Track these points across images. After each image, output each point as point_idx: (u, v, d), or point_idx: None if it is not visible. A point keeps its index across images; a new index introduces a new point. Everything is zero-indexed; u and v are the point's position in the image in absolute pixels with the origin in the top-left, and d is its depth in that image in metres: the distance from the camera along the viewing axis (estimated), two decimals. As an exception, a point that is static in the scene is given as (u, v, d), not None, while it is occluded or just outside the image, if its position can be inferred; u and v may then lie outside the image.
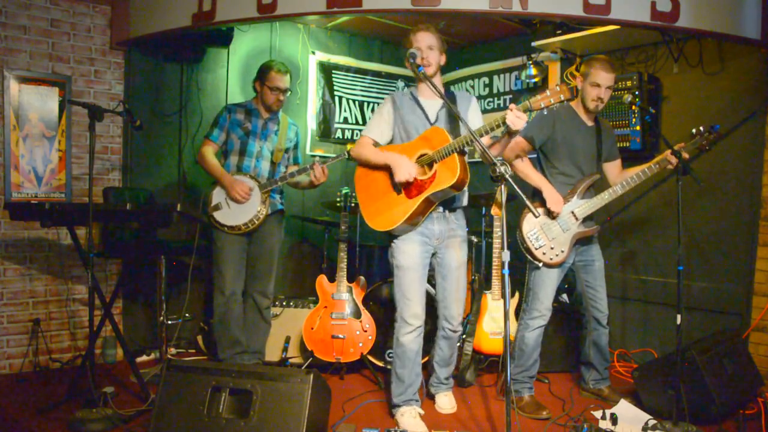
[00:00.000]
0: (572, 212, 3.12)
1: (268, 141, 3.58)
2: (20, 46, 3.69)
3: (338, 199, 3.86)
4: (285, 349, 3.83)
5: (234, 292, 3.53)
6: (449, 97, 2.90)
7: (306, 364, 3.70)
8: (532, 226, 3.12)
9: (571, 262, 3.24)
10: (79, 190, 3.91)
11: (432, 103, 2.99)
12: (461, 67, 5.25)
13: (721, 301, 3.72)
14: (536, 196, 3.18)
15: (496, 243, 3.83)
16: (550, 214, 3.11)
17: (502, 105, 4.96)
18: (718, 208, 3.76)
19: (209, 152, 3.51)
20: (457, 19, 4.41)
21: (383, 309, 3.85)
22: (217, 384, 2.47)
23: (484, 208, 4.06)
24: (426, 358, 3.57)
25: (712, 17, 3.19)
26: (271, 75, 3.49)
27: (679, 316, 2.77)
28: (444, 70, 5.24)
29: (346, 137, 5.04)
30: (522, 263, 3.27)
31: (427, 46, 2.88)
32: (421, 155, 2.85)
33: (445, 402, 3.19)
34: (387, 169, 2.92)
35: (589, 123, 3.23)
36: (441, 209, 2.96)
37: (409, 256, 2.94)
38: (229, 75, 4.46)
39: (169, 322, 3.69)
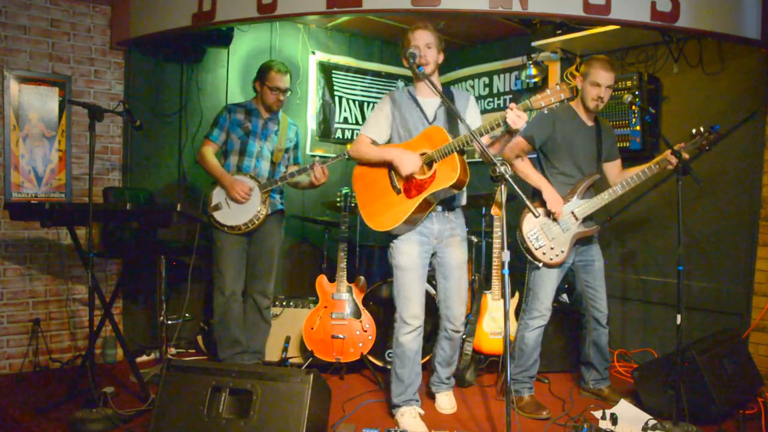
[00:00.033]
0: (572, 212, 3.12)
1: (268, 141, 3.58)
2: (20, 46, 3.69)
3: (338, 199, 3.86)
4: (285, 349, 3.83)
5: (234, 292, 3.53)
6: (447, 96, 2.88)
7: (306, 364, 3.70)
8: (532, 226, 3.12)
9: (571, 262, 3.24)
10: (79, 190, 3.91)
11: (430, 102, 2.98)
12: (461, 67, 5.25)
13: (721, 301, 3.72)
14: (536, 196, 3.18)
15: (496, 243, 3.83)
16: (550, 215, 3.11)
17: (502, 105, 4.96)
18: (718, 208, 3.76)
19: (209, 152, 3.51)
20: (457, 19, 4.41)
21: (383, 309, 3.85)
22: (217, 384, 2.47)
23: (484, 208, 4.06)
24: (426, 358, 3.57)
25: (712, 17, 3.19)
26: (271, 75, 3.49)
27: (679, 316, 2.77)
28: (444, 69, 5.33)
29: (346, 137, 5.04)
30: (522, 263, 3.27)
31: (425, 45, 2.87)
32: (421, 154, 2.83)
33: (446, 402, 3.19)
34: (386, 168, 2.92)
35: (589, 123, 3.23)
36: (440, 209, 2.95)
37: (408, 256, 2.93)
38: (229, 75, 4.46)
39: (169, 322, 3.68)
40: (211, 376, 2.51)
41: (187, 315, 3.78)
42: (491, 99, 5.06)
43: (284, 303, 3.95)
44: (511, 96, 4.90)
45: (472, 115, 2.99)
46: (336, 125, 5.02)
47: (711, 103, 3.78)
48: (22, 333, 3.73)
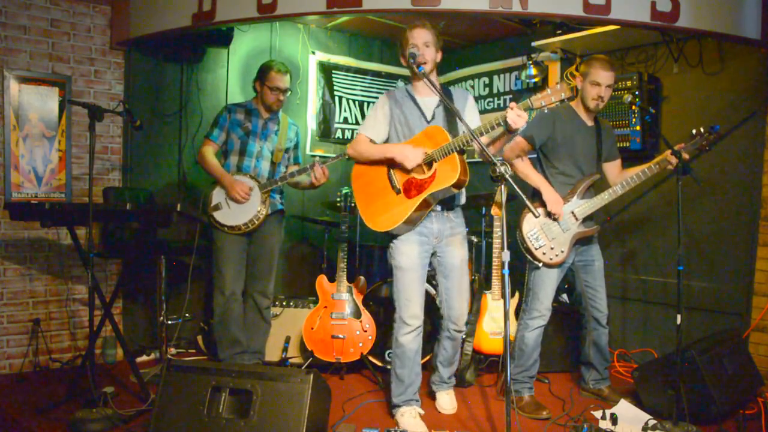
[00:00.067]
0: (572, 212, 3.12)
1: (268, 141, 3.58)
2: (20, 46, 3.69)
3: (338, 199, 3.86)
4: (285, 349, 3.84)
5: (234, 292, 3.53)
6: (446, 95, 2.87)
7: (306, 364, 3.70)
8: (532, 226, 3.12)
9: (571, 262, 3.24)
10: (79, 190, 3.91)
11: (428, 101, 2.97)
12: (461, 67, 5.24)
13: (721, 301, 3.72)
14: (536, 196, 3.18)
15: (496, 243, 3.83)
16: (550, 215, 3.11)
17: (502, 105, 4.96)
18: (718, 208, 3.76)
19: (209, 152, 3.51)
20: (457, 19, 4.41)
21: (383, 309, 3.85)
22: (217, 384, 2.47)
23: (484, 208, 4.06)
24: (427, 358, 3.57)
25: (712, 17, 3.19)
26: (271, 75, 3.49)
27: (679, 316, 2.77)
28: (444, 70, 5.34)
29: (346, 137, 5.04)
30: (522, 263, 3.26)
31: (423, 43, 2.85)
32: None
33: (446, 401, 3.18)
34: (385, 167, 2.91)
35: (589, 123, 3.23)
36: (439, 208, 2.94)
37: (408, 256, 2.93)
38: (229, 75, 4.46)
39: (169, 322, 3.68)
40: (211, 376, 2.51)
41: (187, 315, 3.78)
42: (491, 99, 5.06)
43: (284, 303, 3.95)
44: (511, 96, 4.90)
45: (470, 115, 2.98)
46: (336, 125, 5.02)
47: (711, 103, 3.78)
48: (22, 333, 3.73)
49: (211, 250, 3.55)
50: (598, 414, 2.99)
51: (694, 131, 2.99)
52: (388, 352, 3.68)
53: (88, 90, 3.94)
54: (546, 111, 2.61)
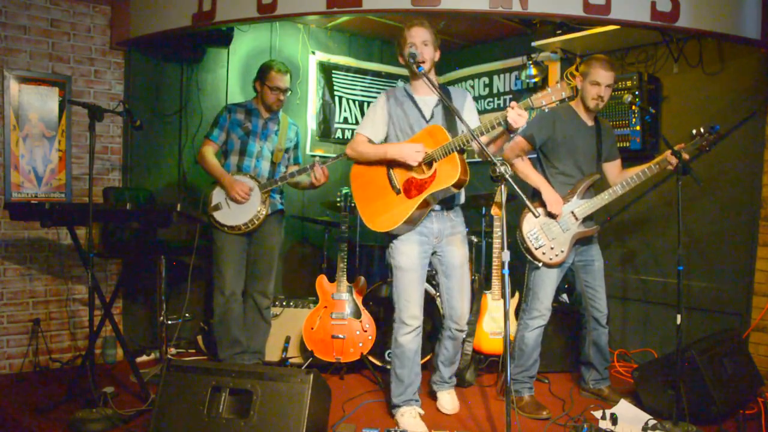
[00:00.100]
0: (572, 212, 3.12)
1: (268, 141, 3.58)
2: (20, 46, 3.69)
3: (338, 199, 3.86)
4: (285, 349, 3.84)
5: (234, 292, 3.53)
6: (444, 94, 2.85)
7: (306, 364, 3.70)
8: (532, 226, 3.12)
9: (571, 261, 3.24)
10: (79, 190, 3.91)
11: (427, 100, 2.96)
12: (461, 67, 5.25)
13: (721, 301, 3.72)
14: (536, 196, 3.18)
15: (496, 243, 3.83)
16: (550, 215, 3.11)
17: (502, 105, 4.96)
18: (718, 208, 3.76)
19: (209, 152, 3.51)
20: (457, 19, 4.41)
21: (383, 309, 3.85)
22: (217, 384, 2.47)
23: (484, 208, 4.06)
24: (427, 358, 3.57)
25: (712, 17, 3.19)
26: (271, 75, 3.49)
27: (679, 316, 2.77)
28: (444, 70, 5.34)
29: (346, 137, 5.04)
30: (522, 263, 3.26)
31: (421, 42, 2.84)
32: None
33: (447, 401, 3.17)
34: (385, 167, 2.90)
35: (589, 123, 3.23)
36: (438, 207, 2.94)
37: (408, 257, 2.92)
38: (229, 75, 4.46)
39: (169, 322, 3.69)
40: (211, 376, 2.51)
41: (187, 315, 3.78)
42: (491, 99, 5.06)
43: (284, 303, 3.95)
44: (511, 96, 4.90)
45: (469, 114, 2.97)
46: (336, 125, 5.02)
47: (711, 103, 3.78)
48: (22, 333, 3.73)
49: (211, 250, 3.55)
50: (598, 414, 2.99)
51: (694, 131, 2.99)
52: (388, 352, 3.68)
53: (88, 90, 3.94)
54: (546, 110, 2.61)
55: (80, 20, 3.89)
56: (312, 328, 3.72)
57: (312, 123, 4.89)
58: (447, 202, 2.96)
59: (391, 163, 2.89)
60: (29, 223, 3.68)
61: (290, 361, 3.82)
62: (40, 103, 3.76)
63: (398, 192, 2.86)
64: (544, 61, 4.55)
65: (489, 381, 3.72)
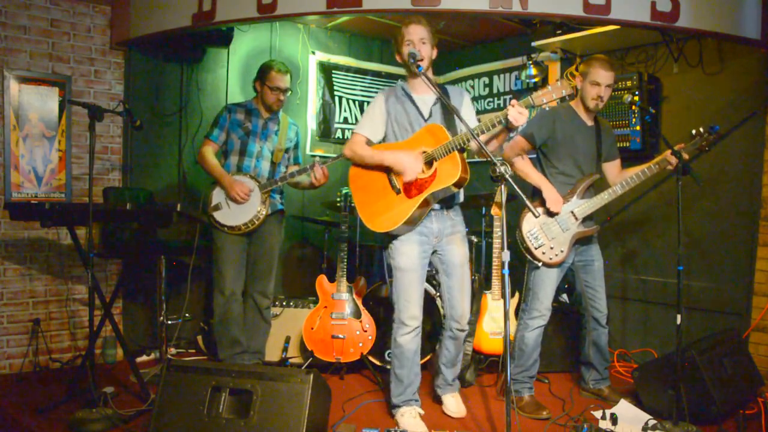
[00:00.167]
0: (572, 212, 3.12)
1: (268, 141, 3.58)
2: (20, 46, 3.69)
3: (338, 199, 3.86)
4: (285, 349, 3.83)
5: (234, 292, 3.53)
6: (443, 93, 2.85)
7: (306, 364, 3.70)
8: (532, 225, 3.12)
9: (571, 261, 3.24)
10: (79, 190, 3.91)
11: (425, 99, 2.95)
12: (461, 67, 5.25)
13: (721, 301, 3.72)
14: (536, 195, 3.18)
15: (496, 243, 3.83)
16: (550, 213, 3.11)
17: (502, 105, 4.97)
18: (718, 208, 3.76)
19: (209, 152, 3.51)
20: (457, 19, 4.41)
21: (383, 309, 3.85)
22: (217, 384, 2.47)
23: (484, 208, 4.06)
24: (426, 358, 3.58)
25: (712, 17, 3.19)
26: (271, 75, 3.49)
27: (679, 316, 2.77)
28: (444, 69, 5.34)
29: (346, 137, 5.04)
30: (522, 263, 3.26)
31: (419, 40, 2.83)
32: (420, 153, 2.80)
33: (453, 403, 3.12)
34: (384, 168, 2.90)
35: (589, 123, 3.23)
36: (438, 207, 2.93)
37: (408, 257, 2.91)
38: (229, 75, 4.46)
39: (169, 322, 3.69)
40: (211, 376, 2.51)
41: (187, 315, 3.78)
42: (491, 99, 5.06)
43: (284, 303, 3.95)
44: (511, 96, 4.90)
45: (467, 113, 2.97)
46: (336, 125, 5.02)
47: (711, 103, 3.78)
48: (22, 333, 3.73)
49: (211, 250, 3.55)
50: (598, 414, 2.99)
51: (693, 131, 2.99)
52: (388, 352, 3.68)
53: (88, 90, 3.94)
54: (546, 108, 2.61)
55: (80, 20, 3.89)
56: (312, 328, 3.72)
57: (312, 123, 4.89)
58: (446, 201, 2.95)
59: (392, 170, 2.88)
60: (29, 223, 3.68)
61: (290, 361, 3.82)
62: (40, 103, 3.76)
63: (398, 192, 2.85)
64: (544, 61, 4.55)
65: (489, 381, 3.72)
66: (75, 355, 3.88)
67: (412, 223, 2.87)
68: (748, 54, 3.61)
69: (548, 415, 3.08)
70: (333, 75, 4.98)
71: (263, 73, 3.53)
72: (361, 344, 3.68)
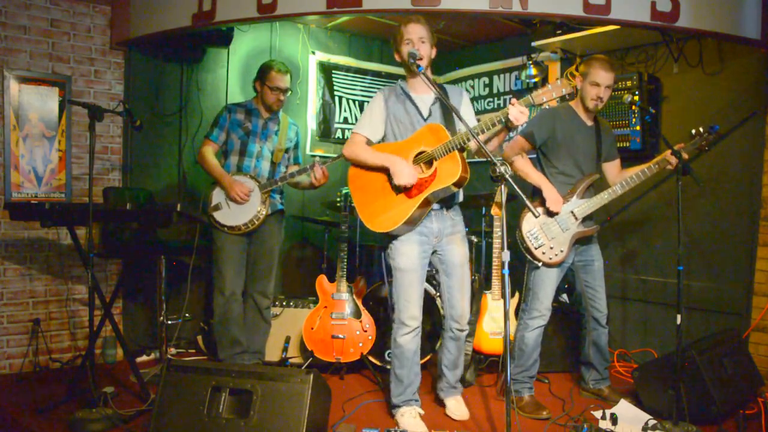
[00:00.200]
0: (572, 212, 3.12)
1: (268, 141, 3.58)
2: (20, 46, 3.69)
3: (338, 199, 3.86)
4: (285, 349, 3.83)
5: (234, 293, 3.53)
6: (442, 92, 2.85)
7: (306, 364, 3.70)
8: (532, 225, 3.12)
9: (571, 261, 3.24)
10: (79, 190, 3.91)
11: (424, 98, 2.95)
12: (461, 67, 5.25)
13: (721, 301, 3.72)
14: (536, 195, 3.18)
15: (496, 243, 3.82)
16: (550, 212, 3.11)
17: (502, 105, 4.97)
18: (718, 208, 3.76)
19: (209, 152, 3.51)
20: (457, 19, 4.41)
21: (383, 309, 3.85)
22: (217, 384, 2.48)
23: (484, 208, 4.06)
24: (426, 358, 3.58)
25: (712, 17, 3.19)
26: (271, 75, 3.49)
27: (679, 316, 2.77)
28: (444, 69, 5.34)
29: (346, 137, 5.04)
30: (522, 263, 3.26)
31: (418, 39, 2.83)
32: (420, 153, 2.81)
33: (455, 406, 3.10)
34: (384, 169, 2.89)
35: (589, 123, 3.23)
36: (438, 206, 2.93)
37: (408, 257, 2.91)
38: (229, 75, 4.46)
39: (169, 322, 3.69)
40: (211, 376, 2.51)
41: (187, 315, 3.78)
42: (491, 99, 5.06)
43: (284, 303, 3.95)
44: (511, 96, 4.90)
45: (466, 112, 2.96)
46: (336, 125, 5.02)
47: (711, 103, 3.78)
48: (22, 333, 3.73)
49: (211, 250, 3.55)
50: (598, 414, 2.99)
51: (693, 131, 2.99)
52: (388, 352, 3.68)
53: (88, 90, 3.94)
54: (547, 107, 2.61)
55: (80, 20, 3.89)
56: (312, 328, 3.72)
57: (312, 123, 4.89)
58: (446, 201, 2.95)
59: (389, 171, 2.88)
60: (29, 223, 3.68)
61: (290, 361, 3.82)
62: (40, 103, 3.76)
63: (398, 192, 2.84)
64: (544, 61, 4.55)
65: (489, 381, 3.71)
66: (75, 355, 3.88)
67: (412, 223, 2.87)
68: (748, 54, 3.61)
69: (548, 415, 3.08)
70: (333, 75, 4.98)
71: (263, 73, 3.53)
72: (361, 344, 3.68)
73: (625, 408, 3.10)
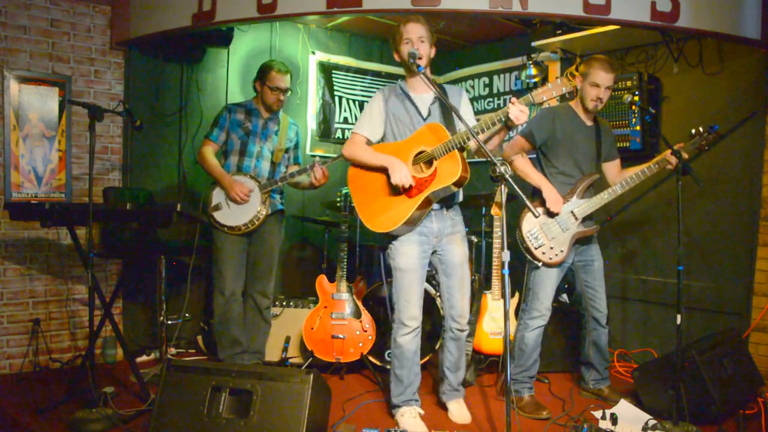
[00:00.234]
0: (572, 212, 3.12)
1: (268, 141, 3.58)
2: (20, 46, 3.69)
3: (338, 199, 3.85)
4: (285, 349, 3.83)
5: (234, 293, 3.53)
6: (441, 92, 2.84)
7: (306, 364, 3.70)
8: (532, 225, 3.12)
9: (571, 261, 3.24)
10: (79, 190, 3.91)
11: (423, 98, 2.95)
12: (461, 67, 5.25)
13: (721, 301, 3.72)
14: (536, 195, 3.18)
15: (496, 243, 3.82)
16: (550, 213, 3.11)
17: (502, 105, 4.97)
18: (718, 208, 3.76)
19: (209, 152, 3.51)
20: (457, 19, 4.41)
21: (383, 309, 3.85)
22: (217, 384, 2.47)
23: (484, 208, 4.06)
24: (426, 358, 3.57)
25: (712, 17, 3.19)
26: (271, 75, 3.49)
27: (679, 316, 2.77)
28: (444, 69, 5.34)
29: (346, 137, 5.04)
30: (522, 263, 3.26)
31: (418, 38, 2.83)
32: (419, 153, 2.80)
33: (457, 410, 3.07)
34: (383, 169, 2.88)
35: (589, 123, 3.23)
36: (438, 206, 2.92)
37: (408, 257, 2.91)
38: (229, 75, 4.46)
39: (169, 322, 3.69)
40: (211, 376, 2.51)
41: (187, 315, 3.78)
42: (491, 99, 5.06)
43: (284, 303, 3.95)
44: (510, 96, 4.89)
45: (466, 112, 2.96)
46: (336, 125, 5.02)
47: (711, 103, 3.78)
48: (22, 333, 3.73)
49: (211, 250, 3.55)
50: (598, 414, 2.99)
51: (693, 131, 2.99)
52: (388, 352, 3.68)
53: (88, 90, 3.94)
54: (547, 106, 2.61)
55: (80, 20, 3.89)
56: (312, 328, 3.72)
57: (312, 123, 4.89)
58: (446, 201, 2.94)
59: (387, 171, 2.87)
60: (29, 223, 3.68)
61: (290, 361, 3.82)
62: (40, 103, 3.76)
63: (399, 192, 2.84)
64: (544, 61, 4.55)
65: (489, 381, 3.71)
66: (75, 355, 3.88)
67: (412, 223, 2.86)
68: (748, 54, 3.61)
69: (548, 415, 3.08)
70: (333, 75, 4.98)
71: (263, 73, 3.53)
72: (361, 344, 3.68)
73: (625, 408, 3.10)
